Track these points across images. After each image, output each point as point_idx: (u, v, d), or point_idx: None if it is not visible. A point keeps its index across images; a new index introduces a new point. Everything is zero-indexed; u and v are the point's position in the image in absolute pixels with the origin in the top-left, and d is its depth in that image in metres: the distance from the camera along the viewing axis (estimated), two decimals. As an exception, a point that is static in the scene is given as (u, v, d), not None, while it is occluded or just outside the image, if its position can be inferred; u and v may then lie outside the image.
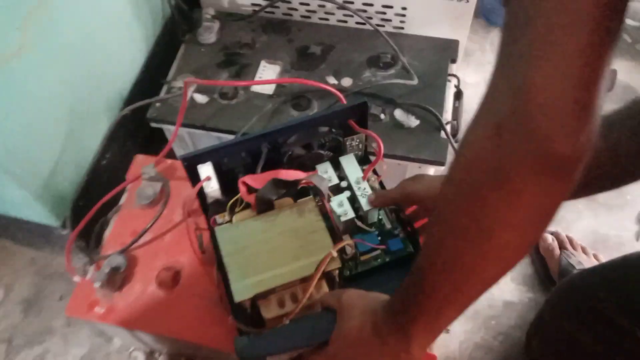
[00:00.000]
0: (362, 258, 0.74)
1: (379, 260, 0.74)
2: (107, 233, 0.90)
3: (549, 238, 1.10)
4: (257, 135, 0.76)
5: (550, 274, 1.08)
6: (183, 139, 1.07)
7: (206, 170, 0.74)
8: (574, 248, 1.08)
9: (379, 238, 0.75)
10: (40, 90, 0.85)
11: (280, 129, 0.77)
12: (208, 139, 1.03)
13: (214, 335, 0.78)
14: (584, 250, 1.08)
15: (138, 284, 0.83)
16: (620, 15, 0.31)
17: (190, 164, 0.74)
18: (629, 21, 1.52)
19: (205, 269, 0.79)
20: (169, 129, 1.05)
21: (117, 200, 0.92)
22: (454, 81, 1.05)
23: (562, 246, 1.08)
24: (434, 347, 0.80)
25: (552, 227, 1.14)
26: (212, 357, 0.99)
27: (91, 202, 0.90)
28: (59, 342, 1.08)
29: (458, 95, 1.05)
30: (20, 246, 1.18)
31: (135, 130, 1.09)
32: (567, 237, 1.10)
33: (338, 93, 0.85)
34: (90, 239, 0.91)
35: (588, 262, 1.04)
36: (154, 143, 1.01)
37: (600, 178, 0.59)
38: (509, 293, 1.09)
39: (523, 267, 1.12)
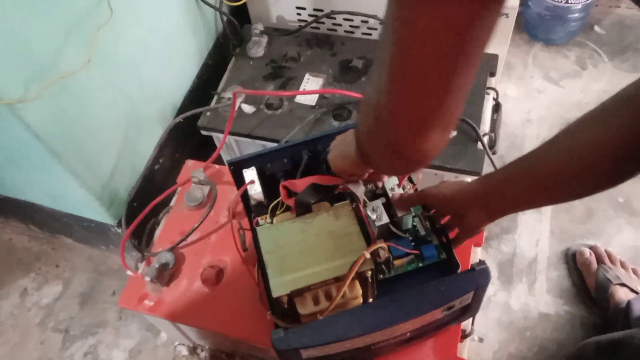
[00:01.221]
0: (396, 262, 0.77)
1: (412, 265, 0.77)
2: (158, 232, 0.96)
3: (587, 252, 1.09)
4: (298, 143, 0.81)
5: (587, 288, 1.08)
6: (231, 146, 1.14)
7: (251, 174, 0.80)
8: (612, 262, 1.07)
9: (413, 244, 0.78)
10: (102, 99, 0.93)
11: (320, 137, 0.81)
12: (254, 147, 1.09)
13: (253, 330, 0.83)
14: (622, 265, 1.07)
15: (184, 280, 0.89)
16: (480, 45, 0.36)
17: (236, 168, 0.80)
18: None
19: (246, 268, 0.84)
20: (217, 137, 1.12)
21: (168, 202, 0.99)
22: (492, 94, 1.07)
23: (600, 260, 1.08)
24: (464, 353, 0.82)
25: (591, 241, 1.14)
26: (251, 353, 1.04)
27: (144, 203, 0.97)
28: (111, 334, 1.16)
29: (496, 108, 1.07)
30: (79, 244, 1.27)
31: (187, 138, 1.17)
32: (606, 251, 1.09)
33: (376, 104, 0.89)
34: (142, 238, 0.98)
35: (626, 277, 1.04)
36: (204, 150, 1.08)
37: None
38: (544, 305, 1.09)
39: (560, 280, 1.12)
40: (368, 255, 0.70)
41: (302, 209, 0.78)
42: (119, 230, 1.06)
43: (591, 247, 1.11)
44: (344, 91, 1.00)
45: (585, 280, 1.08)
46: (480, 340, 1.03)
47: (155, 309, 0.88)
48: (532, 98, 1.40)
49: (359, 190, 0.78)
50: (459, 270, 0.74)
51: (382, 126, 0.44)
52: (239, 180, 0.80)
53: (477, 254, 0.88)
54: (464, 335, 0.83)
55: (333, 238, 0.74)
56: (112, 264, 1.24)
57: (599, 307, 1.06)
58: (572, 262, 1.12)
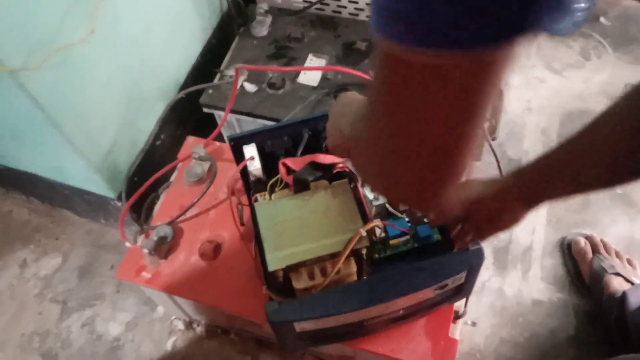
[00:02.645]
0: (391, 242, 0.77)
1: (407, 245, 0.78)
2: (157, 206, 0.97)
3: (582, 241, 1.10)
4: (299, 121, 0.82)
5: (582, 277, 1.09)
6: (232, 125, 1.14)
7: (251, 150, 0.80)
8: (607, 252, 1.08)
9: (409, 224, 0.79)
10: (104, 72, 0.93)
11: (322, 116, 0.81)
12: (254, 126, 1.10)
13: (248, 305, 0.84)
14: (617, 255, 1.08)
15: (182, 253, 0.90)
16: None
17: (237, 144, 0.80)
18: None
19: (244, 244, 0.85)
20: (219, 115, 1.12)
21: (168, 177, 1.00)
22: (494, 81, 1.07)
23: (595, 250, 1.08)
24: (457, 334, 0.83)
25: (586, 230, 1.15)
26: (246, 329, 1.05)
27: (144, 177, 0.98)
28: (108, 307, 1.17)
29: (498, 95, 1.08)
30: (79, 217, 1.28)
31: (189, 115, 1.17)
32: (601, 240, 1.10)
33: (378, 85, 0.90)
34: (141, 212, 0.99)
35: (621, 267, 1.04)
36: (205, 127, 1.08)
37: None
38: (538, 292, 1.10)
39: (554, 268, 1.13)
40: (364, 233, 0.71)
41: (301, 186, 0.78)
42: (119, 204, 1.07)
43: (587, 237, 1.11)
44: (347, 69, 1.00)
45: (579, 269, 1.09)
46: (473, 324, 1.04)
47: (152, 281, 0.89)
48: (533, 87, 1.40)
49: (358, 170, 0.79)
50: (454, 252, 0.75)
51: (388, 185, 0.40)
52: (239, 156, 0.81)
53: (472, 238, 0.89)
54: (457, 317, 0.84)
55: (330, 215, 0.75)
56: (111, 238, 1.25)
57: (593, 296, 1.07)
58: (567, 250, 1.13)
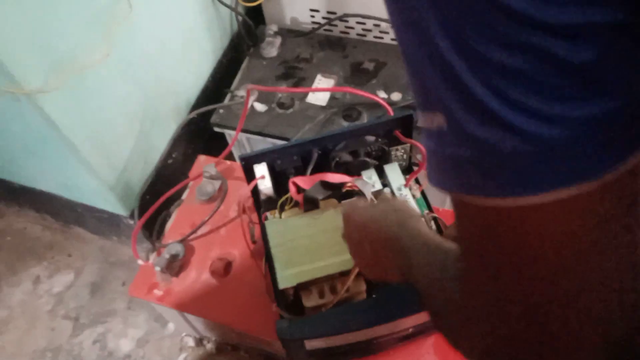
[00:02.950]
0: (400, 260, 0.78)
1: (416, 263, 0.78)
2: (169, 224, 0.99)
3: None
4: (309, 141, 0.83)
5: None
6: (242, 143, 1.16)
7: (261, 169, 0.82)
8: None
9: (417, 243, 0.79)
10: (119, 92, 0.96)
11: (331, 135, 0.83)
12: (264, 145, 1.11)
13: (258, 323, 0.85)
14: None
15: (193, 271, 0.91)
16: None
17: (248, 163, 0.82)
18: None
19: (254, 262, 0.86)
20: (229, 134, 1.14)
21: (180, 195, 1.01)
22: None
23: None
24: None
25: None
26: (255, 346, 1.06)
27: (156, 196, 0.99)
28: (120, 324, 1.18)
29: None
30: (91, 234, 1.30)
31: (200, 134, 1.19)
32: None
33: (386, 105, 0.91)
34: (153, 229, 1.00)
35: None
36: (215, 145, 1.10)
37: None
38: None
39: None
40: (373, 252, 0.72)
41: (311, 204, 0.80)
42: (131, 222, 1.09)
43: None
44: (355, 90, 1.02)
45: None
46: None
47: (164, 299, 0.90)
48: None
49: (367, 189, 0.80)
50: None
51: None
52: (250, 175, 0.82)
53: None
54: (465, 335, 0.84)
55: (340, 234, 0.76)
56: (123, 255, 1.27)
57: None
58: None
